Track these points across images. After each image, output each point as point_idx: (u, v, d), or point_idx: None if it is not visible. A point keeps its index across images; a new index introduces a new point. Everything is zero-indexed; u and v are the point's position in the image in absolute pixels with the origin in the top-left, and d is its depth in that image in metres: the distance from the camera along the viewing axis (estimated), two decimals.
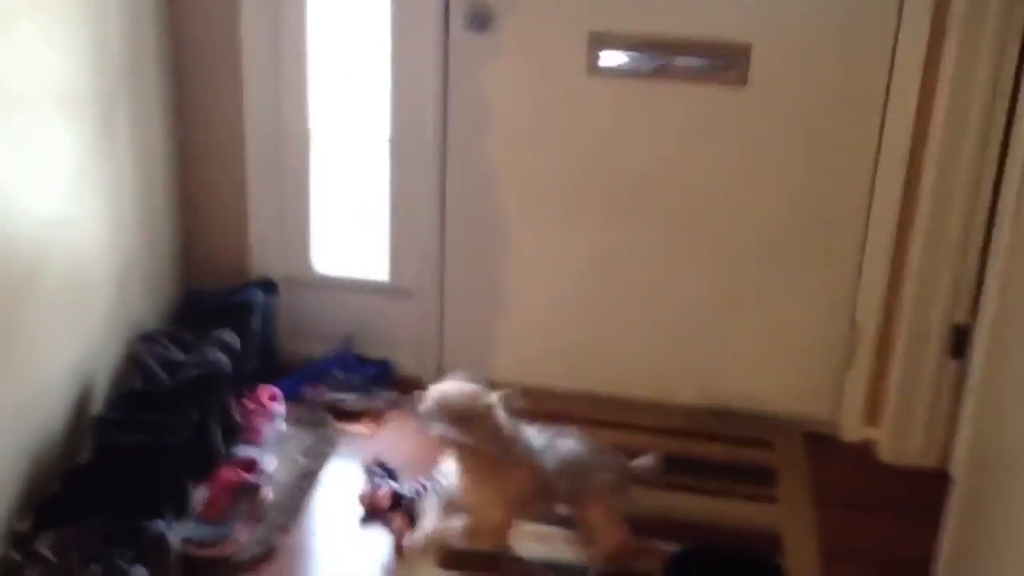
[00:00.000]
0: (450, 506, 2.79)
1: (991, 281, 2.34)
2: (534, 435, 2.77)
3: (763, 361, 3.47)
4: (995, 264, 2.32)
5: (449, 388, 2.70)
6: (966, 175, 3.06)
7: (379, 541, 2.90)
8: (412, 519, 2.90)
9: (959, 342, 3.18)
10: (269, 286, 3.54)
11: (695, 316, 3.46)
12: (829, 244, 3.33)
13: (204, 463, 2.96)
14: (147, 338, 3.12)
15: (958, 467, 2.44)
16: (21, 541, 2.61)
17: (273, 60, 3.46)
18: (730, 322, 3.45)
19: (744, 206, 3.34)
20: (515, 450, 2.68)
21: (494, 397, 2.68)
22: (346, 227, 3.75)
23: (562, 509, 2.85)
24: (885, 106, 3.17)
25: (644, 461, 2.86)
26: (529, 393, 3.52)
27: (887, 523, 3.06)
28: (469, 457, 2.69)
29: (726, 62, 3.22)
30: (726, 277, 3.41)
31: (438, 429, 2.66)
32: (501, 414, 2.66)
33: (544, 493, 2.75)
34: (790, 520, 3.01)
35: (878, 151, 3.21)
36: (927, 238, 3.14)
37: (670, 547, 2.74)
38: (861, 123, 3.21)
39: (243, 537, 2.79)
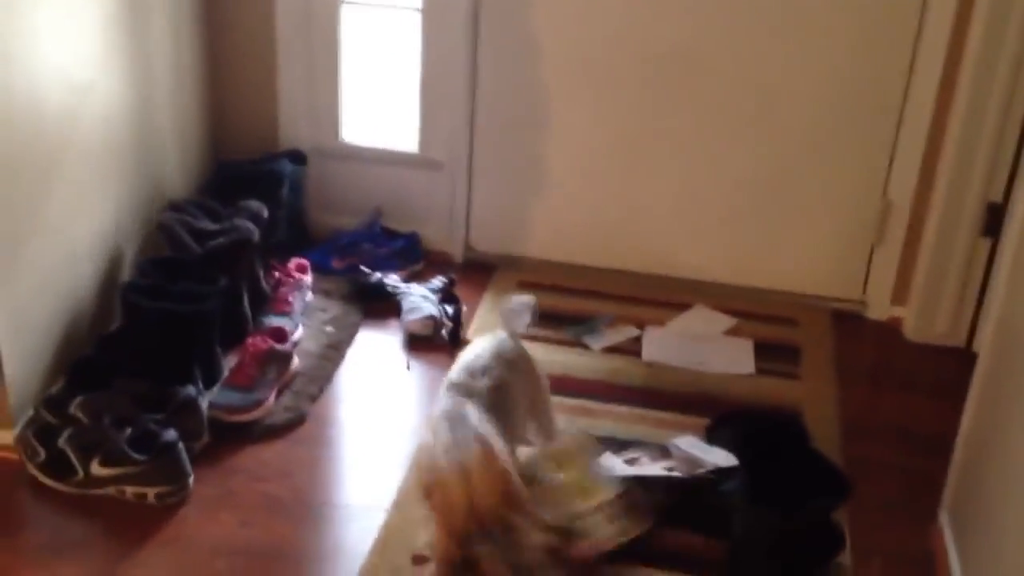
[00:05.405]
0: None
1: None
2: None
3: (795, 240, 3.44)
4: None
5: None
6: (1008, 54, 2.98)
7: (405, 410, 2.95)
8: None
9: (992, 221, 3.14)
10: (298, 157, 3.54)
11: (728, 194, 3.43)
12: (865, 122, 3.28)
13: (233, 331, 3.00)
14: (176, 207, 3.14)
15: (983, 344, 2.43)
16: (54, 403, 2.66)
17: None
18: (763, 201, 3.42)
19: (781, 82, 3.28)
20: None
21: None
22: (376, 98, 3.72)
23: None
24: None
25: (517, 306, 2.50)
26: (558, 268, 3.57)
27: (909, 400, 3.07)
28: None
29: None
30: (761, 156, 3.37)
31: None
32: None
33: None
34: (813, 396, 3.03)
35: (920, 27, 3.14)
36: (965, 116, 3.08)
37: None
38: None
39: (271, 404, 2.84)
